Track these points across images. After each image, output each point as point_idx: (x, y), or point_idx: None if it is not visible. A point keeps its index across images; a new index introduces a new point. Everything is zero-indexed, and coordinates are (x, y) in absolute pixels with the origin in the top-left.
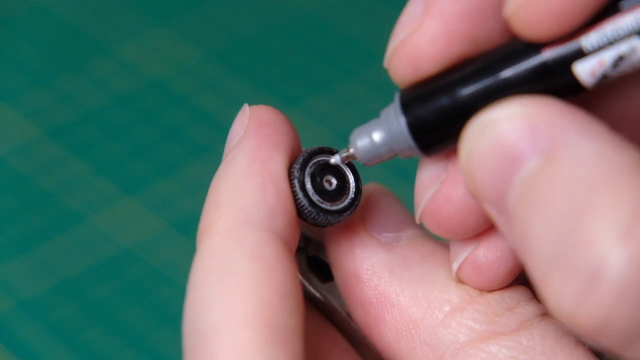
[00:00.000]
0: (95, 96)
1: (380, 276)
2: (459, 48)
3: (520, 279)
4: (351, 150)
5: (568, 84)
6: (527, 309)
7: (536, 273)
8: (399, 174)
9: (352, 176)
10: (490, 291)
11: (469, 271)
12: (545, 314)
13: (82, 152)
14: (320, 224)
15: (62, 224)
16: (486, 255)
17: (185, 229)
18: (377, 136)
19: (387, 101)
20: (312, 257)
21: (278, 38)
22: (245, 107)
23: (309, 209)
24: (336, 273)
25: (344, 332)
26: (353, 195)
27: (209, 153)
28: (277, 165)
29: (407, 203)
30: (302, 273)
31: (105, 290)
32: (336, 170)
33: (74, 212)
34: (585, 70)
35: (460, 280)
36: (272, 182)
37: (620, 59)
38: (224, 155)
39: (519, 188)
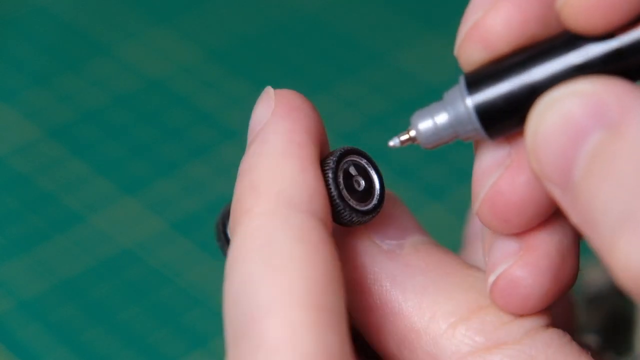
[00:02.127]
0: (95, 96)
1: (383, 285)
2: (532, 29)
3: None
4: (412, 133)
5: (639, 67)
6: (532, 319)
7: (602, 242)
8: (401, 174)
9: (377, 180)
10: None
11: (504, 285)
12: (550, 324)
13: (82, 152)
14: (344, 221)
15: (62, 224)
16: (524, 271)
17: (185, 229)
18: (440, 118)
19: (387, 101)
20: None
21: (278, 38)
22: (270, 89)
23: (339, 202)
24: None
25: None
26: (377, 199)
27: (209, 153)
28: (313, 150)
29: (409, 203)
30: None
31: (105, 290)
32: (364, 173)
33: (74, 212)
34: None
35: (491, 297)
36: (311, 165)
37: None
38: (251, 139)
39: (585, 161)
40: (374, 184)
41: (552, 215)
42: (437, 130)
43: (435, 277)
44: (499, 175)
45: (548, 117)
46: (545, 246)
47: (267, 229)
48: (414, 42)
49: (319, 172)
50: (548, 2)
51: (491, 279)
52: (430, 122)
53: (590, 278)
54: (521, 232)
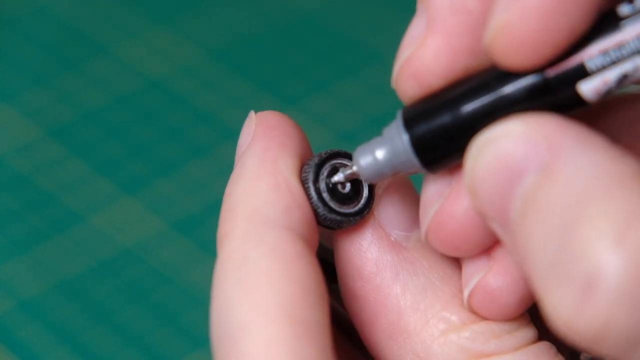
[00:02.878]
0: (95, 96)
1: (384, 277)
2: (463, 62)
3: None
4: (354, 168)
5: (571, 101)
6: (525, 332)
7: (537, 285)
8: None
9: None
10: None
11: (480, 297)
12: (538, 336)
13: (82, 152)
14: (332, 226)
15: (62, 224)
16: (497, 280)
17: (185, 229)
18: (380, 154)
19: (387, 101)
20: (319, 259)
21: (278, 38)
22: (252, 114)
23: (321, 210)
24: (339, 262)
25: (347, 334)
26: (366, 200)
27: (209, 153)
28: (287, 164)
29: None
30: None
31: (105, 290)
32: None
33: (74, 212)
34: (589, 89)
35: (471, 309)
36: (284, 180)
37: (624, 77)
38: (235, 163)
39: (520, 203)
40: (362, 186)
41: None
42: (377, 166)
43: (436, 280)
44: (439, 206)
45: (483, 158)
46: None
47: (242, 249)
48: None
49: (294, 185)
50: (479, 35)
51: (466, 293)
52: (371, 158)
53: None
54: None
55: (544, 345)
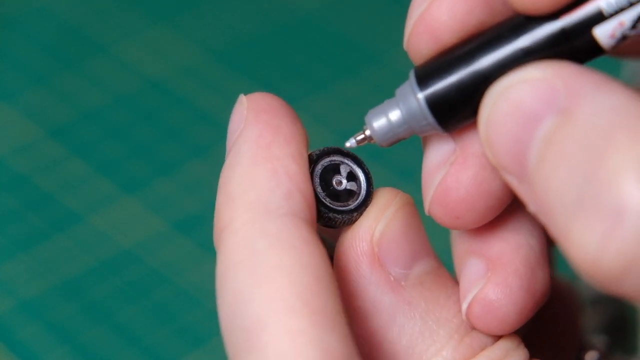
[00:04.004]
0: (95, 96)
1: (381, 319)
2: (478, 16)
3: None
4: (367, 132)
5: (587, 48)
6: (514, 357)
7: (559, 229)
8: (401, 174)
9: (364, 179)
10: (494, 340)
11: (479, 310)
12: (532, 358)
13: (82, 152)
14: (330, 224)
15: (62, 224)
16: (495, 292)
17: (185, 229)
18: (393, 115)
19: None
20: None
21: (278, 38)
22: (242, 97)
23: (322, 210)
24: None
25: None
26: (362, 198)
27: (209, 153)
28: (283, 148)
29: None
30: None
31: (105, 290)
32: (348, 171)
33: (74, 212)
34: (604, 33)
35: (470, 323)
36: (282, 165)
37: (639, 19)
38: (227, 150)
39: (539, 147)
40: (360, 183)
41: (515, 231)
42: (391, 128)
43: (432, 323)
44: (445, 173)
45: (499, 105)
46: (512, 264)
47: (247, 240)
48: None
49: (292, 168)
50: None
51: (464, 306)
52: (384, 120)
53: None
54: (488, 255)
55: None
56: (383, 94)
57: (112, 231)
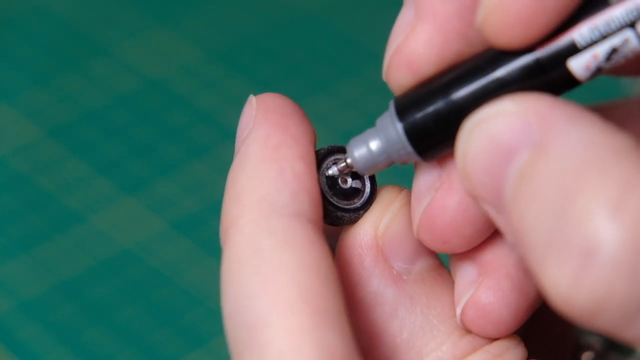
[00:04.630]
0: (95, 96)
1: (383, 311)
2: (455, 47)
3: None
4: (349, 161)
5: (562, 80)
6: (513, 356)
7: (534, 264)
8: (401, 174)
9: (368, 179)
10: (492, 339)
11: (472, 314)
12: (530, 357)
13: (82, 152)
14: (336, 222)
15: (62, 224)
16: (488, 295)
17: (185, 229)
18: (374, 145)
19: (387, 101)
20: None
21: (278, 38)
22: (251, 98)
23: (327, 207)
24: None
25: None
26: (367, 197)
27: (209, 153)
28: (291, 148)
29: None
30: None
31: (105, 290)
32: (353, 172)
33: (74, 212)
34: (579, 65)
35: (465, 327)
36: (289, 165)
37: (613, 51)
38: (236, 150)
39: (513, 182)
40: (364, 182)
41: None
42: (372, 157)
43: (433, 318)
44: (430, 198)
45: (474, 138)
46: (504, 268)
47: (253, 239)
48: None
49: (299, 168)
50: (468, 19)
51: (458, 310)
52: (365, 149)
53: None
54: (479, 260)
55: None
56: (383, 94)
57: (112, 231)
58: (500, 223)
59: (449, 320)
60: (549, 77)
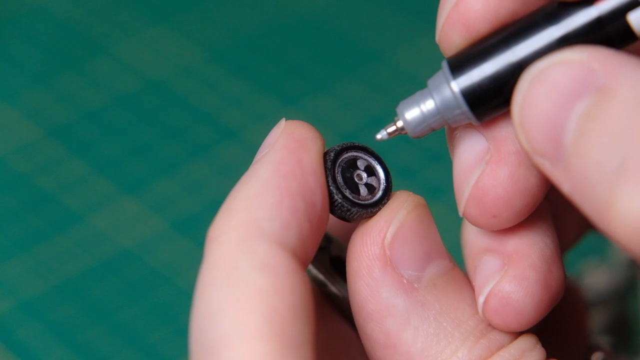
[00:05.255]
0: (95, 96)
1: (395, 321)
2: (509, 5)
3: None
4: (399, 124)
5: (620, 34)
6: (530, 357)
7: (599, 202)
8: (401, 174)
9: (382, 172)
10: (510, 338)
11: (496, 303)
12: (549, 358)
13: (82, 152)
14: (350, 217)
15: (62, 224)
16: (512, 284)
17: (185, 229)
18: (426, 106)
19: (387, 101)
20: (335, 257)
21: (278, 38)
22: (282, 121)
23: (340, 201)
24: (352, 303)
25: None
26: (383, 191)
27: (209, 153)
28: (297, 182)
29: None
30: (324, 272)
31: (105, 290)
32: (366, 166)
33: (74, 212)
34: (639, 19)
35: (486, 318)
36: (289, 197)
37: None
38: (251, 164)
39: (576, 124)
40: (378, 174)
41: (529, 229)
42: (424, 118)
43: (447, 325)
44: (481, 171)
45: (535, 88)
46: (528, 258)
47: (232, 257)
48: (414, 41)
49: (298, 204)
50: None
51: (481, 300)
52: (417, 111)
53: (593, 281)
54: (503, 251)
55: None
56: (383, 94)
57: (112, 231)
58: (555, 174)
59: (463, 325)
60: (608, 32)
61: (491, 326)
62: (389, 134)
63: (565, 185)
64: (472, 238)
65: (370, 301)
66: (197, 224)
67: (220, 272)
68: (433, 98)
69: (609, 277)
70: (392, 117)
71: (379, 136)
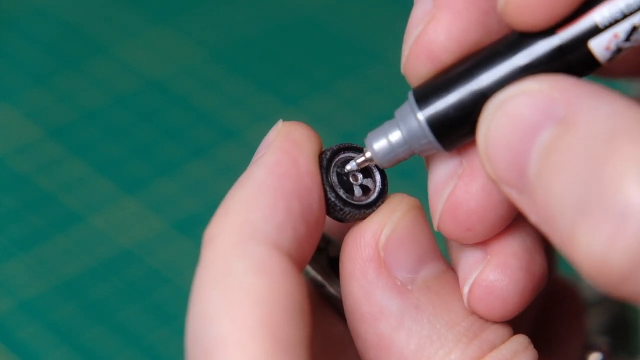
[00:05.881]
0: (95, 96)
1: (388, 323)
2: (473, 36)
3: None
4: (368, 154)
5: (583, 61)
6: (522, 358)
7: (562, 235)
8: (401, 174)
9: (378, 174)
10: (508, 334)
11: (480, 292)
12: (542, 358)
13: (82, 152)
14: (343, 217)
15: (62, 224)
16: (495, 273)
17: (185, 229)
18: (394, 137)
19: (387, 101)
20: (333, 258)
21: (278, 38)
22: (279, 122)
23: (332, 200)
24: (345, 305)
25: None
26: (378, 193)
27: (209, 153)
28: (293, 183)
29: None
30: (322, 273)
31: (105, 290)
32: (364, 169)
33: (74, 212)
34: (600, 46)
35: (472, 308)
36: (284, 198)
37: (634, 29)
38: (248, 167)
39: (538, 157)
40: (374, 176)
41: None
42: (392, 149)
43: (441, 327)
44: (454, 186)
45: (497, 118)
46: (510, 247)
47: (227, 258)
48: None
49: (293, 205)
50: (486, 8)
51: (465, 290)
52: (384, 142)
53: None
54: (485, 241)
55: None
56: (383, 94)
57: (112, 231)
58: (522, 204)
59: (456, 327)
60: (570, 60)
61: (480, 320)
62: (358, 164)
63: (532, 215)
64: None
65: (364, 303)
66: (197, 224)
67: (215, 273)
68: (400, 129)
69: None
70: (391, 117)
71: (348, 167)
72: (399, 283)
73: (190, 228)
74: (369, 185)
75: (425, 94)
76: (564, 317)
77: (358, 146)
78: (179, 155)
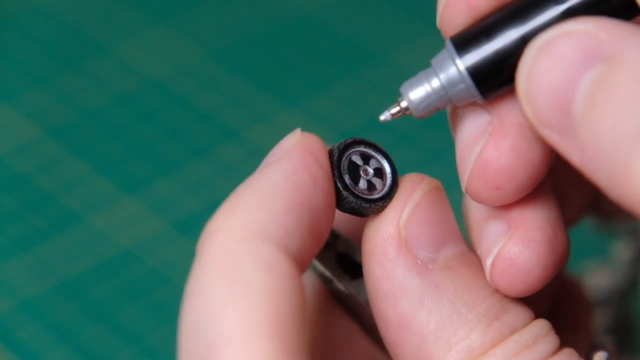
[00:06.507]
0: (95, 96)
1: (409, 302)
2: None
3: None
4: (403, 104)
5: (624, 7)
6: (544, 345)
7: (613, 170)
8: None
9: (388, 166)
10: (530, 319)
11: (503, 265)
12: (562, 346)
13: (82, 152)
14: (357, 212)
15: (62, 224)
16: (519, 246)
17: (185, 229)
18: (431, 84)
19: (387, 101)
20: (341, 253)
21: (278, 38)
22: (297, 130)
23: (346, 196)
24: (367, 283)
25: (371, 330)
26: (389, 186)
27: (209, 153)
28: (308, 196)
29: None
30: (330, 269)
31: (105, 290)
32: (373, 160)
33: (74, 212)
34: None
35: (493, 282)
36: (298, 209)
37: None
38: (259, 167)
39: (585, 95)
40: (384, 169)
41: (534, 197)
42: (429, 97)
43: (461, 307)
44: (483, 144)
45: (540, 59)
46: (534, 221)
47: (234, 253)
48: (414, 41)
49: (307, 218)
50: None
51: (488, 262)
52: (421, 90)
53: (595, 282)
54: (509, 214)
55: (566, 353)
56: (383, 94)
57: (112, 231)
58: (564, 145)
59: (476, 308)
60: (612, 4)
61: (501, 302)
62: (393, 114)
63: (575, 156)
64: (476, 208)
65: (384, 281)
66: (197, 224)
67: (221, 268)
68: (438, 76)
69: (610, 277)
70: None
71: (382, 117)
72: (419, 262)
73: (190, 228)
74: (380, 178)
75: (463, 40)
76: (571, 315)
77: (370, 141)
78: (179, 155)
